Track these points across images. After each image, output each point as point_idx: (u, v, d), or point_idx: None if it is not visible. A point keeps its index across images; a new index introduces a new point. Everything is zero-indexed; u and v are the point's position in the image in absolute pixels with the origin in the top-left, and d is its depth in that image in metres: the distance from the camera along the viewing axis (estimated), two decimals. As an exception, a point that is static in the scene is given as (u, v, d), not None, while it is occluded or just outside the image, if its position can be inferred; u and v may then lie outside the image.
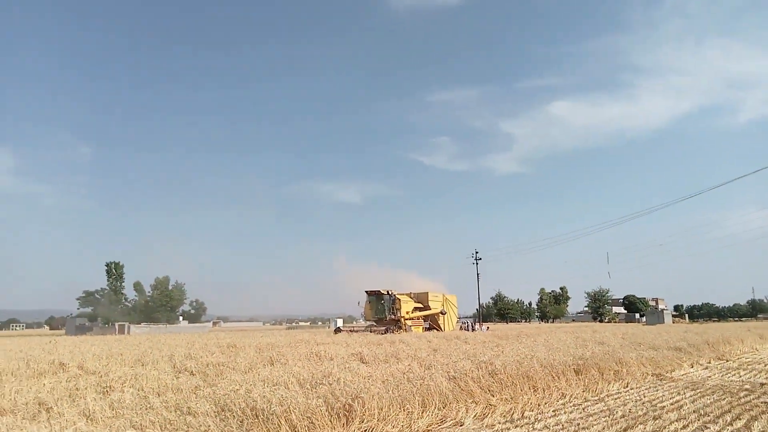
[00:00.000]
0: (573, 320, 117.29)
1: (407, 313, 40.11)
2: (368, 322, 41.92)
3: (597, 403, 10.01)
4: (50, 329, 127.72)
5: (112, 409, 7.41)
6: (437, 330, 41.39)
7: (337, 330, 40.71)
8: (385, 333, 32.95)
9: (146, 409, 7.34)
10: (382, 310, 39.76)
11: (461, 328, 48.91)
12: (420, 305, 42.61)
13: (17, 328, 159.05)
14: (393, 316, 39.15)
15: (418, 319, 41.67)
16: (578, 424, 8.13)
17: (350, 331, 38.73)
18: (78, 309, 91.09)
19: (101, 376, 11.00)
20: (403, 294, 41.70)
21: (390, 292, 40.01)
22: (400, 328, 37.81)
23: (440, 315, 43.94)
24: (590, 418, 8.61)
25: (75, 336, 54.31)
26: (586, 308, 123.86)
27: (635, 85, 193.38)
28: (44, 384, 9.92)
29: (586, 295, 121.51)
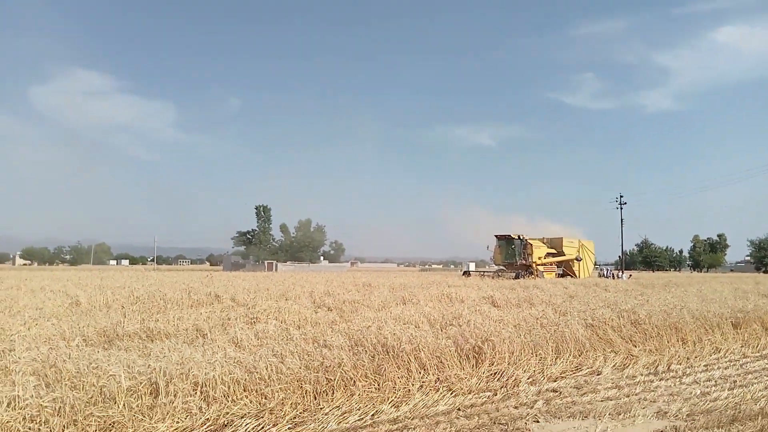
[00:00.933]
0: (731, 270, 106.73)
1: (539, 258, 38.91)
2: (498, 267, 41.11)
3: (759, 360, 9.02)
4: (210, 265, 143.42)
5: (257, 338, 8.01)
6: (572, 277, 39.63)
7: (466, 273, 40.40)
8: (516, 278, 32.04)
9: (287, 339, 7.84)
10: (513, 255, 38.82)
11: (599, 275, 46.56)
12: (553, 251, 41.10)
13: (183, 263, 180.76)
14: (524, 261, 38.12)
15: (551, 264, 40.28)
16: (734, 381, 7.37)
17: (481, 274, 38.33)
18: (233, 248, 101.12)
19: (249, 308, 11.97)
20: (535, 239, 40.37)
21: (521, 237, 38.88)
22: (531, 273, 36.69)
23: (575, 261, 41.91)
24: (749, 376, 7.77)
25: (230, 272, 60.31)
26: (749, 257, 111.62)
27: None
28: (201, 313, 11.03)
29: (749, 243, 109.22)
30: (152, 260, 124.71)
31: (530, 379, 7.29)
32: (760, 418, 5.48)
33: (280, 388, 5.77)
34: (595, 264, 55.55)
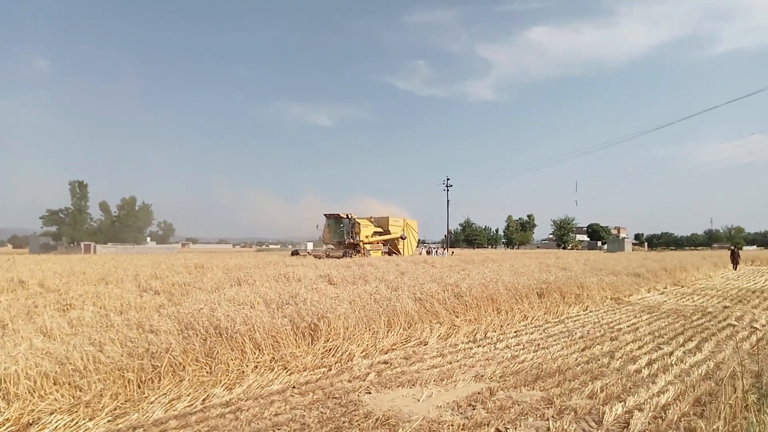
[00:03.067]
0: (538, 247, 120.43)
1: (366, 237, 40.03)
2: (327, 246, 41.45)
3: (557, 325, 10.31)
4: (13, 248, 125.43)
5: (71, 327, 7.25)
6: (397, 254, 41.36)
7: (294, 253, 40.07)
8: (343, 257, 32.65)
9: (107, 326, 7.21)
10: (341, 234, 39.48)
11: (427, 253, 49.50)
12: (380, 230, 42.59)
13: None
14: (352, 240, 39.03)
15: (378, 243, 41.70)
16: (538, 344, 8.35)
17: (307, 254, 38.06)
18: (42, 228, 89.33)
19: (62, 294, 10.78)
20: (363, 218, 41.43)
21: (349, 216, 39.65)
22: (358, 252, 37.71)
23: (400, 240, 44.02)
24: (550, 339, 8.85)
25: (38, 255, 53.50)
26: (551, 236, 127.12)
27: (615, 11, 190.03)
28: (0, 301, 9.67)
29: (552, 223, 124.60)
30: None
31: (363, 353, 7.55)
32: (557, 375, 6.31)
33: (98, 379, 5.29)
34: (421, 242, 58.76)
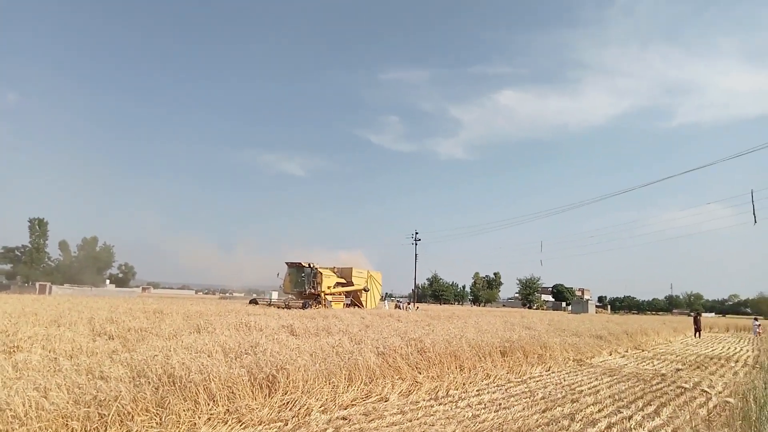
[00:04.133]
0: (504, 305, 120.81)
1: (328, 287, 38.73)
2: (287, 295, 39.77)
3: (519, 385, 10.26)
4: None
5: (16, 370, 6.92)
6: (359, 307, 40.49)
7: (253, 302, 38.50)
8: (303, 308, 31.57)
9: (54, 371, 6.89)
10: (302, 283, 37.87)
11: (396, 306, 49.07)
12: (343, 280, 41.42)
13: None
14: (313, 290, 37.52)
15: (340, 294, 40.43)
16: (500, 404, 8.28)
17: (267, 304, 36.54)
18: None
19: (9, 336, 10.30)
20: (326, 268, 40.23)
21: (311, 265, 38.36)
22: (319, 303, 36.37)
23: (363, 292, 43.03)
24: (511, 399, 8.79)
25: (-11, 293, 51.24)
26: (517, 294, 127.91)
27: (581, 80, 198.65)
28: (-59, 340, 9.19)
29: (518, 282, 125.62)
30: None
31: (322, 408, 7.36)
32: (517, 435, 6.24)
33: (39, 427, 5.01)
34: (388, 295, 58.08)
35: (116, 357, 8.15)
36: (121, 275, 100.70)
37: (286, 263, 39.52)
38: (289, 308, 31.17)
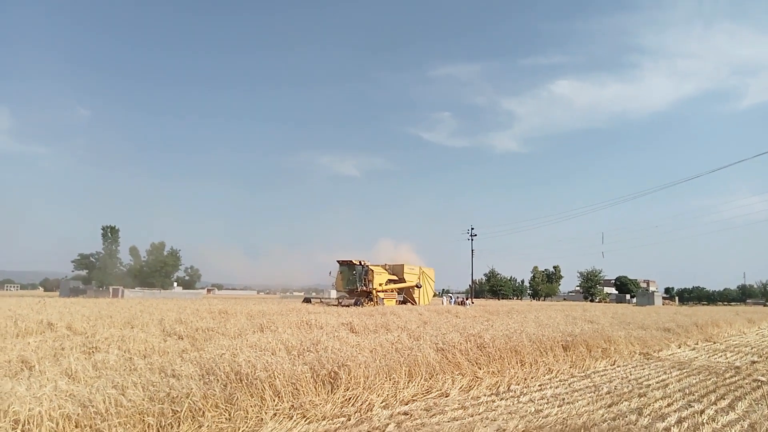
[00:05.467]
0: (564, 299, 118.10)
1: (380, 285, 38.66)
2: (339, 293, 40.04)
3: (583, 380, 10.04)
4: (45, 291, 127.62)
5: (96, 369, 7.35)
6: (411, 303, 40.19)
7: (306, 300, 38.83)
8: (355, 305, 31.63)
9: (130, 370, 7.29)
10: (354, 281, 38.07)
11: (455, 303, 48.72)
12: (395, 277, 41.26)
13: (12, 289, 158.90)
14: (365, 288, 37.57)
15: (392, 291, 40.36)
16: (563, 399, 8.13)
17: (319, 301, 36.75)
18: (73, 271, 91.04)
19: (88, 337, 10.95)
20: (377, 265, 40.23)
21: (362, 263, 38.49)
22: (371, 300, 36.39)
23: (415, 288, 42.67)
24: (575, 394, 8.62)
25: (68, 298, 54.44)
26: (578, 288, 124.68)
27: (640, 66, 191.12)
28: (29, 343, 9.86)
29: (579, 275, 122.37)
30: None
31: (384, 403, 7.46)
32: (582, 431, 6.13)
33: (118, 423, 5.32)
34: (446, 291, 57.56)
35: (186, 356, 8.52)
36: (187, 278, 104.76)
37: (338, 261, 39.82)
38: (343, 306, 31.51)
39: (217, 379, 6.71)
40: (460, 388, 8.70)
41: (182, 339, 11.85)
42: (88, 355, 8.56)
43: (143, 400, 5.79)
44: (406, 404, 7.58)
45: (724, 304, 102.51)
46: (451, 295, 71.12)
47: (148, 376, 6.64)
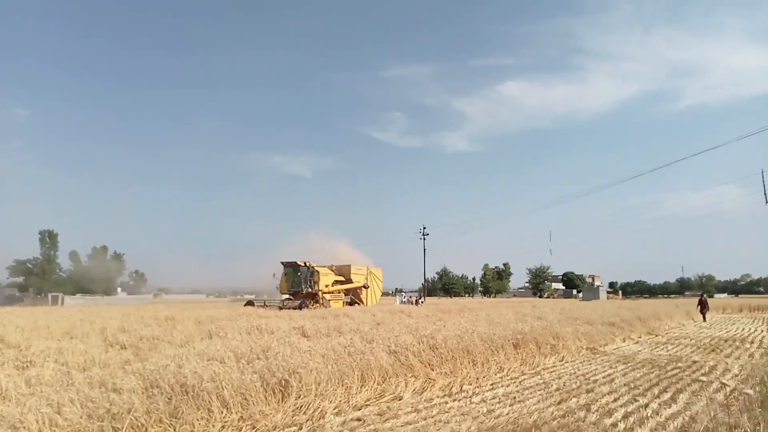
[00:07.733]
0: (514, 296, 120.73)
1: (326, 286, 37.82)
2: (283, 296, 38.52)
3: (533, 377, 10.20)
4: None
5: (29, 386, 6.93)
6: (359, 304, 39.71)
7: (249, 303, 36.99)
8: (300, 308, 30.75)
9: (67, 385, 6.91)
10: (299, 283, 36.84)
11: (403, 302, 48.81)
12: (341, 278, 40.62)
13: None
14: (310, 289, 36.50)
15: (339, 292, 39.63)
16: (514, 398, 8.23)
17: (262, 305, 35.10)
18: (8, 279, 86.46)
19: (22, 350, 10.35)
20: (323, 266, 39.31)
21: (307, 264, 37.37)
22: (317, 302, 35.36)
23: (363, 289, 42.25)
24: (526, 392, 8.74)
25: (2, 307, 51.64)
26: (527, 284, 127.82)
27: (585, 68, 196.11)
28: (-45, 359, 9.24)
29: (528, 272, 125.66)
30: None
31: (336, 410, 7.34)
32: (533, 430, 6.18)
33: (53, 444, 5.01)
34: (399, 290, 57.83)
35: (129, 368, 8.16)
36: (132, 283, 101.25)
37: (282, 263, 38.62)
38: (287, 309, 30.44)
39: (162, 392, 6.43)
40: (414, 390, 8.67)
41: (125, 349, 11.38)
42: (21, 371, 8.07)
43: (81, 418, 5.47)
44: (359, 410, 7.49)
45: (665, 297, 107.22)
46: (404, 294, 71.51)
47: (86, 392, 6.30)
